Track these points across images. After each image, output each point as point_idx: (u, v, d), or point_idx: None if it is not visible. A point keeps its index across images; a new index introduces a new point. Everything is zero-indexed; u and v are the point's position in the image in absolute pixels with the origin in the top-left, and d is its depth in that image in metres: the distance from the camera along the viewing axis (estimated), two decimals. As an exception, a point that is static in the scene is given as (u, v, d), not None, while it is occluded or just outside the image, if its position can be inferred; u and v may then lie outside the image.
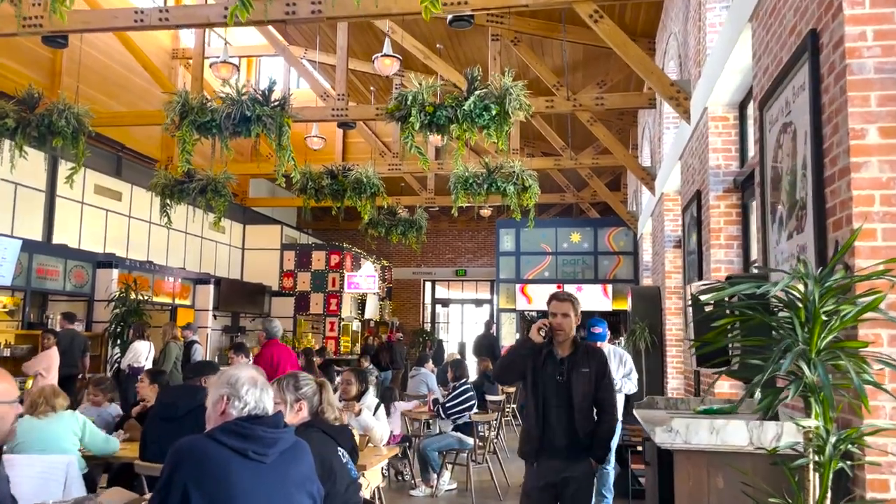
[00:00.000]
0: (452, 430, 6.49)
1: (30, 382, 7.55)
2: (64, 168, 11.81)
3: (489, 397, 8.82)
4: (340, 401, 4.79)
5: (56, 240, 11.51)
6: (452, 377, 6.87)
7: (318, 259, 17.63)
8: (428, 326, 22.02)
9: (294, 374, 2.82)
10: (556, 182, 17.49)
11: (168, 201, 11.01)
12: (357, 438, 4.38)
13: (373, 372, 11.32)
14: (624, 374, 6.00)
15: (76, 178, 8.05)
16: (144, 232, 13.99)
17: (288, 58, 12.53)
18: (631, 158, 11.50)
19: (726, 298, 2.60)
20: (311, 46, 14.50)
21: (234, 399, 2.23)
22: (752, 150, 5.39)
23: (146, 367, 8.94)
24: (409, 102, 7.20)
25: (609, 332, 6.94)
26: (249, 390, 2.26)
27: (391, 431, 6.67)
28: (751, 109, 5.34)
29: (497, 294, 14.22)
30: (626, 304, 12.41)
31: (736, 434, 2.68)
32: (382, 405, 4.94)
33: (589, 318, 6.70)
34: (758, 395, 2.70)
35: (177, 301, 13.73)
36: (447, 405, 6.47)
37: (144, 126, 13.91)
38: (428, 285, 22.31)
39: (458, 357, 9.33)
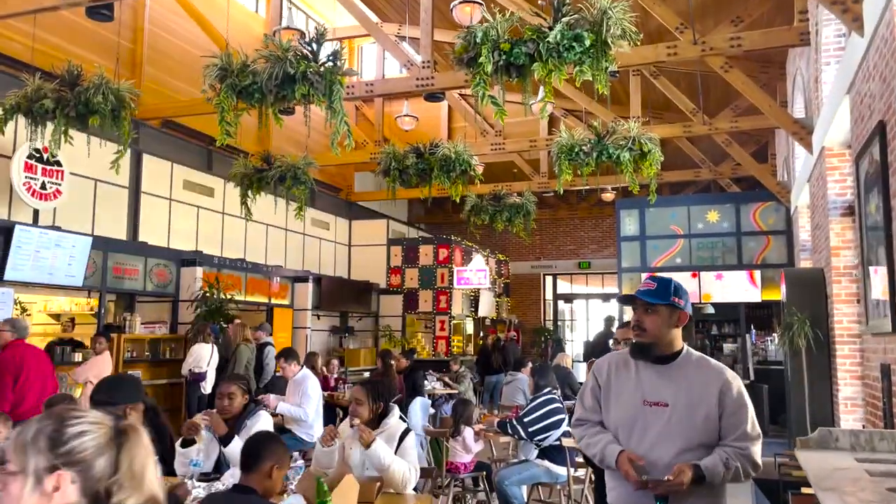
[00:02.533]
0: (537, 456, 4.95)
1: (79, 391, 6.79)
2: (151, 163, 11.35)
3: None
4: (351, 426, 3.44)
5: (143, 238, 10.99)
6: (533, 388, 5.30)
7: (425, 254, 16.46)
8: (550, 324, 20.31)
9: (56, 415, 1.35)
10: (687, 157, 15.32)
11: (248, 192, 10.20)
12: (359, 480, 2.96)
13: (465, 375, 9.91)
14: None
15: (121, 163, 7.23)
16: (239, 229, 13.34)
17: (377, 35, 11.39)
18: (779, 110, 9.38)
19: None
20: (404, 21, 13.36)
21: None
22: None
23: (207, 373, 8.04)
24: (478, 40, 5.73)
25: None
26: None
27: (466, 454, 5.22)
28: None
29: (619, 285, 12.36)
30: (780, 294, 10.24)
31: None
32: (414, 432, 3.51)
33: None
34: None
35: (273, 301, 12.97)
36: (524, 421, 4.91)
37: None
38: (549, 280, 20.61)
39: (547, 362, 7.71)
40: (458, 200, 9.72)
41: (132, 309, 10.63)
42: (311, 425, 6.15)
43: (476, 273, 15.97)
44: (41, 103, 6.91)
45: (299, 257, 15.15)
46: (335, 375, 8.96)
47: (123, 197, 10.89)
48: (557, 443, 4.72)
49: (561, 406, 5.03)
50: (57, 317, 11.28)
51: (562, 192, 9.01)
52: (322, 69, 6.25)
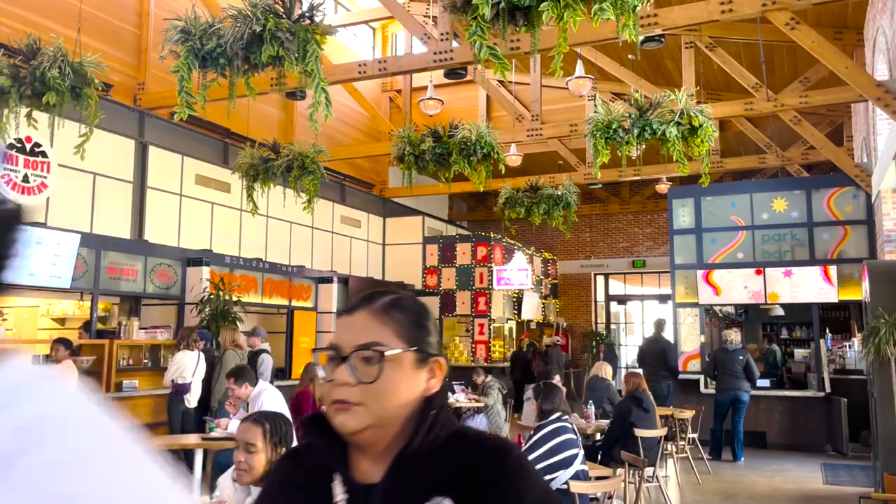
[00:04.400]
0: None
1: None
2: (158, 157, 10.60)
3: (642, 433, 5.91)
4: (235, 480, 2.40)
5: (149, 237, 10.26)
6: (537, 414, 4.11)
7: (462, 252, 15.37)
8: (602, 328, 18.92)
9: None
10: (749, 142, 13.80)
11: (255, 185, 9.33)
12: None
13: (493, 386, 8.77)
14: None
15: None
16: (259, 227, 12.54)
17: (388, 4, 10.37)
18: (858, 71, 7.93)
19: None
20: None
21: None
22: None
23: (192, 384, 7.14)
24: (473, -23, 4.61)
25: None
26: None
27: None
28: None
29: (673, 285, 10.99)
30: (860, 292, 8.76)
31: None
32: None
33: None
34: None
35: (294, 303, 12.10)
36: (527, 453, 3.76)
37: (252, 109, 12.50)
38: (600, 280, 19.22)
39: (554, 382, 6.49)
40: (480, 188, 8.58)
41: (135, 312, 9.89)
42: (282, 451, 5.16)
43: (517, 272, 14.78)
44: (-6, 81, 6.12)
45: (327, 257, 14.27)
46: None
47: (127, 192, 10.18)
48: (565, 486, 3.57)
49: (574, 438, 3.87)
50: (62, 321, 10.67)
51: (598, 174, 7.79)
52: (295, 27, 5.26)
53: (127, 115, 10.28)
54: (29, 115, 6.46)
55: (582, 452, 3.90)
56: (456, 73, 9.10)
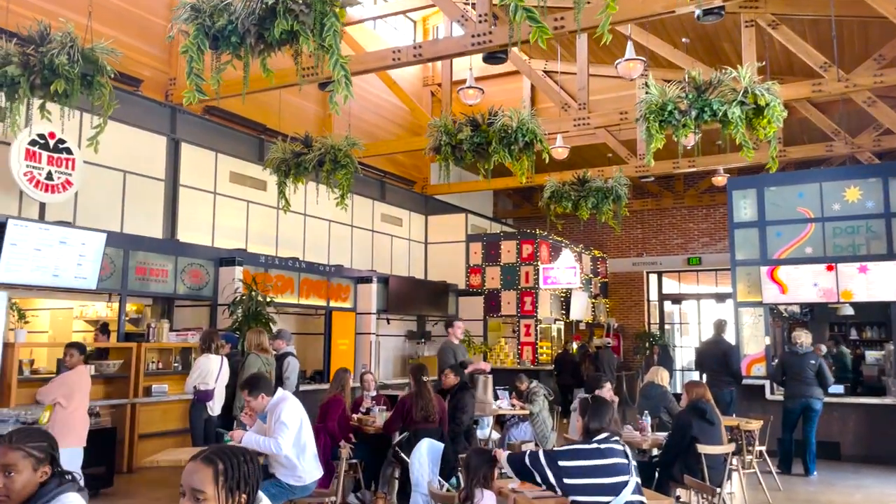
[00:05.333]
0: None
1: (46, 415, 5.61)
2: (191, 154, 10.28)
3: (706, 449, 5.23)
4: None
5: (182, 236, 9.96)
6: (582, 432, 3.43)
7: (507, 250, 14.75)
8: (655, 328, 18.05)
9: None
10: (815, 129, 12.87)
11: (286, 180, 8.91)
12: None
13: (538, 393, 8.15)
14: None
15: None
16: (297, 226, 12.17)
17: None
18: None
19: None
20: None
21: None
22: None
23: (215, 390, 6.72)
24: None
25: None
26: None
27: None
28: None
29: (734, 283, 10.18)
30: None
31: None
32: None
33: None
34: None
35: (332, 304, 11.67)
36: (558, 462, 3.08)
37: (288, 104, 12.15)
38: (653, 278, 18.34)
39: (605, 391, 5.78)
40: (523, 180, 7.96)
41: (167, 314, 9.59)
42: (296, 464, 4.65)
43: (565, 271, 14.09)
44: (4, 70, 5.79)
45: (367, 256, 13.83)
46: (372, 393, 7.44)
47: (159, 190, 9.88)
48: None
49: (625, 463, 3.25)
50: (96, 323, 10.44)
51: (651, 162, 7.06)
52: (311, -1, 4.76)
53: (158, 111, 10.00)
54: (42, 107, 6.12)
55: (637, 482, 3.28)
56: (496, 58, 8.49)
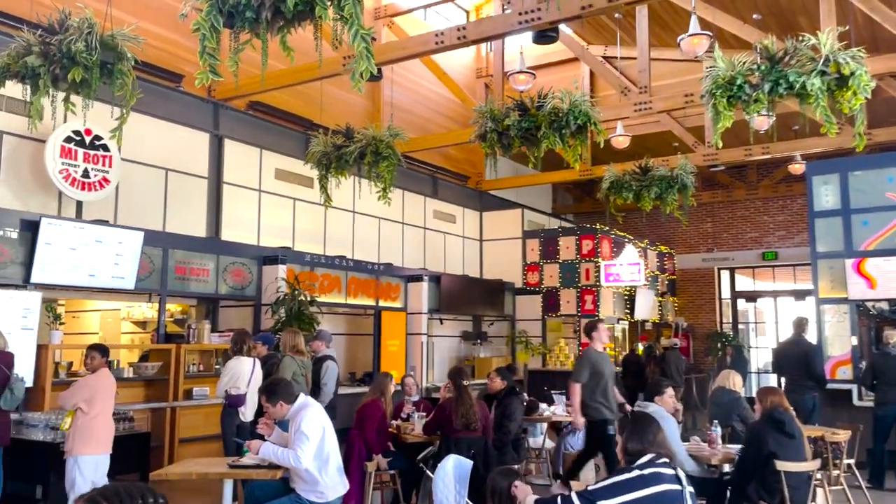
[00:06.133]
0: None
1: (67, 421, 5.35)
2: (235, 150, 10.03)
3: (786, 466, 4.53)
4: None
5: (226, 235, 9.72)
6: (622, 455, 2.81)
7: (566, 246, 14.06)
8: (728, 328, 17.00)
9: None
10: (907, 107, 11.73)
11: (327, 174, 8.55)
12: None
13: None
14: None
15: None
16: (345, 224, 11.83)
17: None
18: None
19: None
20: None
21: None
22: None
23: (247, 395, 6.36)
24: None
25: None
26: None
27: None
28: None
29: (815, 278, 9.26)
30: None
31: None
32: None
33: None
34: None
35: (381, 303, 11.27)
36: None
37: (335, 98, 11.82)
38: (724, 275, 17.29)
39: (665, 397, 5.06)
40: (575, 167, 7.35)
41: (212, 314, 9.36)
42: (318, 479, 4.19)
43: (628, 268, 13.32)
44: (24, 61, 5.56)
45: (418, 254, 13.39)
46: (414, 398, 6.94)
47: (202, 188, 9.67)
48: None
49: (677, 490, 2.64)
50: (143, 325, 10.34)
51: (719, 143, 6.34)
52: (330, -35, 4.30)
53: (200, 107, 9.79)
54: (67, 100, 5.87)
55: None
56: (546, 37, 7.94)
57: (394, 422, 6.44)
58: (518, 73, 9.26)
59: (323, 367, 6.63)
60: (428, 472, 4.97)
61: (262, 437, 4.52)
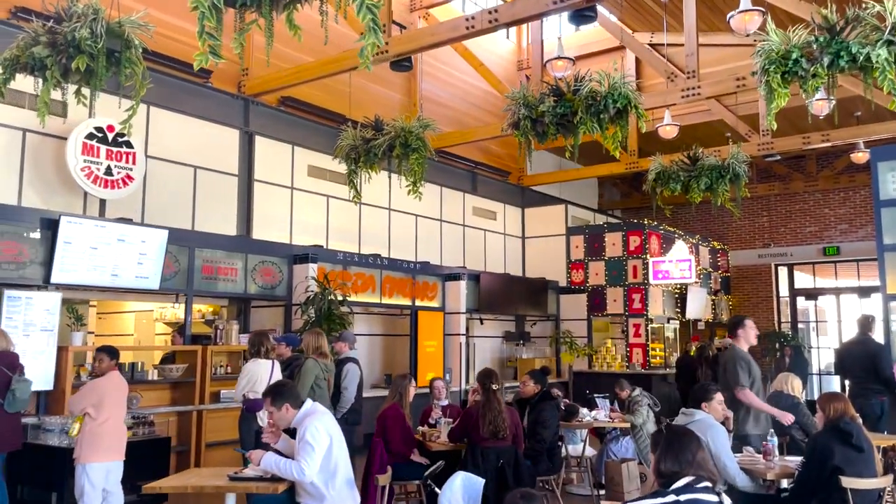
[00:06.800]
0: None
1: (76, 427, 5.12)
2: (266, 147, 9.79)
3: (853, 483, 3.98)
4: None
5: (258, 234, 9.51)
6: (655, 476, 2.38)
7: (612, 243, 13.48)
8: (787, 327, 16.13)
9: None
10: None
11: (355, 169, 8.22)
12: None
13: (641, 402, 6.99)
14: None
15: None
16: (381, 221, 11.52)
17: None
18: None
19: None
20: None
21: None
22: None
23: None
24: None
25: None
26: None
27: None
28: None
29: (882, 272, 8.54)
30: None
31: None
32: None
33: None
34: None
35: (417, 303, 10.91)
36: None
37: (370, 92, 11.52)
38: (782, 271, 16.40)
39: (714, 402, 4.50)
40: (616, 154, 6.84)
41: (243, 314, 9.14)
42: (324, 493, 3.83)
43: (678, 265, 12.68)
44: (31, 51, 5.36)
45: (457, 252, 13.00)
46: (443, 402, 6.54)
47: (232, 186, 9.47)
48: None
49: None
50: (176, 325, 10.17)
51: (773, 125, 5.75)
52: (333, -68, 3.95)
53: (230, 104, 9.60)
54: (78, 92, 5.66)
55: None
56: (583, 16, 7.44)
57: (420, 427, 6.05)
58: (556, 58, 8.79)
59: (344, 369, 6.29)
60: (435, 488, 4.56)
61: (266, 447, 4.19)
